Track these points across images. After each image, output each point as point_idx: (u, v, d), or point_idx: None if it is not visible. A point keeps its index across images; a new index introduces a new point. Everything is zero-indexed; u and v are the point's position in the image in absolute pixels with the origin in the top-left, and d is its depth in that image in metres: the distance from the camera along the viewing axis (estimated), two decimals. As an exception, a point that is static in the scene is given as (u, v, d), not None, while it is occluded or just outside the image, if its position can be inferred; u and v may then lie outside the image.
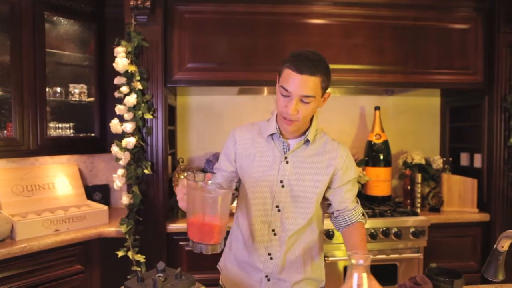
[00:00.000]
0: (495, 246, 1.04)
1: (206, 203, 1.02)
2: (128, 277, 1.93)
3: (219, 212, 1.03)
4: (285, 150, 1.25)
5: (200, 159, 2.64)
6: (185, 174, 1.13)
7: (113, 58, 1.97)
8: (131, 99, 1.94)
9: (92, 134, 2.33)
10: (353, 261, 0.78)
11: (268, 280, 1.25)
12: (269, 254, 1.24)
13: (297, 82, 1.10)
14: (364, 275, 0.78)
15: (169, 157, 2.32)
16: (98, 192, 2.49)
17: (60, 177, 2.29)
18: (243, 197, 1.29)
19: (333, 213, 1.31)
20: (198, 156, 2.66)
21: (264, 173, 1.24)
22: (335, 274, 2.11)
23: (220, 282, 1.34)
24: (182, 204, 1.12)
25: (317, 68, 1.11)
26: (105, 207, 2.18)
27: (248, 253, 1.27)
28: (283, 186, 1.23)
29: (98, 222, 2.11)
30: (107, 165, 2.55)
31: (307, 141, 1.24)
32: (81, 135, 2.31)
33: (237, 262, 1.30)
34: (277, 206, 1.23)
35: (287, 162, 1.23)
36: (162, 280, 0.96)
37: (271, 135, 1.26)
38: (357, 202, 1.31)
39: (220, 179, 1.27)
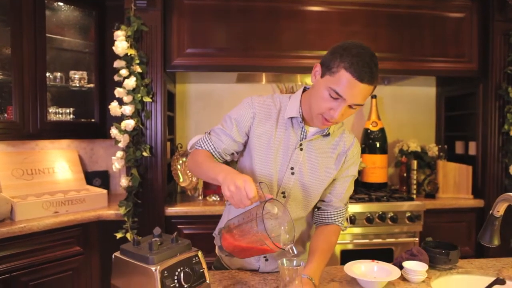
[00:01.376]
0: (491, 211, 1.04)
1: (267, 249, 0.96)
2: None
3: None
4: (302, 136, 1.17)
5: (198, 147, 2.66)
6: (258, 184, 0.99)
7: (113, 45, 1.99)
8: (130, 82, 1.97)
9: (92, 120, 2.35)
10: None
11: (266, 260, 1.26)
12: None
13: (355, 91, 1.00)
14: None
15: (168, 143, 2.34)
16: (97, 178, 2.51)
17: (60, 162, 2.31)
18: (247, 174, 1.22)
19: (317, 207, 1.26)
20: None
21: (276, 156, 1.17)
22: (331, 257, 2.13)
23: (216, 251, 1.33)
24: (232, 202, 0.95)
25: (376, 77, 1.02)
26: (104, 191, 2.20)
27: None
28: (292, 174, 1.17)
29: (97, 205, 2.13)
30: (106, 152, 2.57)
31: (328, 134, 1.18)
32: (81, 120, 2.33)
33: None
34: (283, 193, 1.19)
35: (301, 149, 1.17)
36: (158, 243, 0.95)
37: (291, 118, 1.17)
38: (345, 205, 1.25)
39: (227, 145, 1.20)
